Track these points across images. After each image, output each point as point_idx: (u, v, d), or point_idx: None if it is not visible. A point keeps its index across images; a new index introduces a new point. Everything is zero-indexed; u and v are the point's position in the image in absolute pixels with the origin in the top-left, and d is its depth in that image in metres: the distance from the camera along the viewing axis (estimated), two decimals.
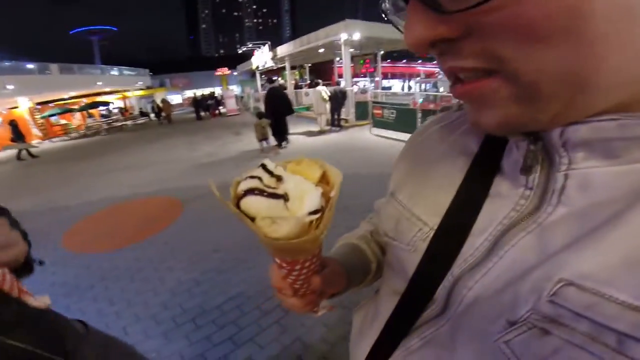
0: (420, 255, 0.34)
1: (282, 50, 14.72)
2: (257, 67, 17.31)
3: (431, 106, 7.24)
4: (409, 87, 20.70)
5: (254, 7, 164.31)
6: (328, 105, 8.56)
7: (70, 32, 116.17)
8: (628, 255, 0.20)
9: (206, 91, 20.93)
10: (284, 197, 0.31)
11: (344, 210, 3.04)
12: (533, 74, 0.21)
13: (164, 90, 29.28)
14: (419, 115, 6.45)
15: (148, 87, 28.33)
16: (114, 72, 25.27)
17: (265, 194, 0.31)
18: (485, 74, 0.23)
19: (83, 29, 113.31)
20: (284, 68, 15.65)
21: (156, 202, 4.59)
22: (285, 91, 7.99)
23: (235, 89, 24.44)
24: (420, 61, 31.56)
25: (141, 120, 19.33)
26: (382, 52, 14.53)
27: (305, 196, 0.31)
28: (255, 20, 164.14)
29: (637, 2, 0.18)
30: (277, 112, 6.72)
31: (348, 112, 9.53)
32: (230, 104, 17.15)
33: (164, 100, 17.27)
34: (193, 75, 41.96)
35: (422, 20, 0.23)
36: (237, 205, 0.31)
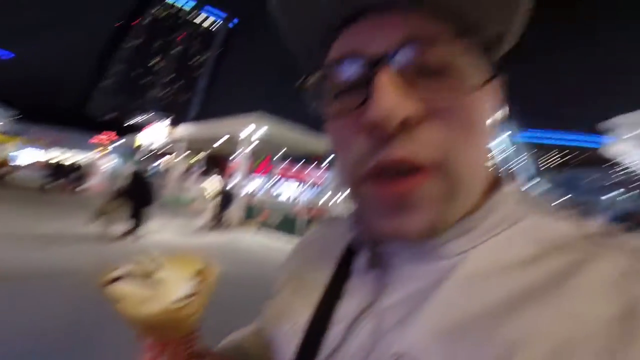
0: (295, 346, 0.38)
1: (182, 130, 14.10)
2: (142, 144, 16.16)
3: (310, 213, 7.91)
4: (295, 196, 22.41)
5: (173, 75, 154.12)
6: (215, 202, 8.20)
7: None
8: (433, 329, 0.26)
9: (80, 155, 18.03)
10: (157, 283, 0.34)
11: (216, 308, 2.66)
12: (465, 168, 0.26)
13: (18, 140, 24.12)
14: (301, 221, 6.96)
15: None
16: None
17: (138, 279, 0.34)
18: (414, 169, 0.26)
19: None
20: (178, 149, 14.94)
21: None
22: (150, 179, 7.23)
23: (115, 160, 21.84)
24: (312, 165, 35.05)
25: None
26: (280, 153, 15.37)
27: (177, 283, 0.34)
28: (165, 91, 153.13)
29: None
30: (137, 198, 6.11)
31: (235, 211, 9.16)
32: (99, 178, 14.45)
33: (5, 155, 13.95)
34: (70, 132, 36.50)
35: (402, 93, 0.24)
36: (109, 288, 0.34)
